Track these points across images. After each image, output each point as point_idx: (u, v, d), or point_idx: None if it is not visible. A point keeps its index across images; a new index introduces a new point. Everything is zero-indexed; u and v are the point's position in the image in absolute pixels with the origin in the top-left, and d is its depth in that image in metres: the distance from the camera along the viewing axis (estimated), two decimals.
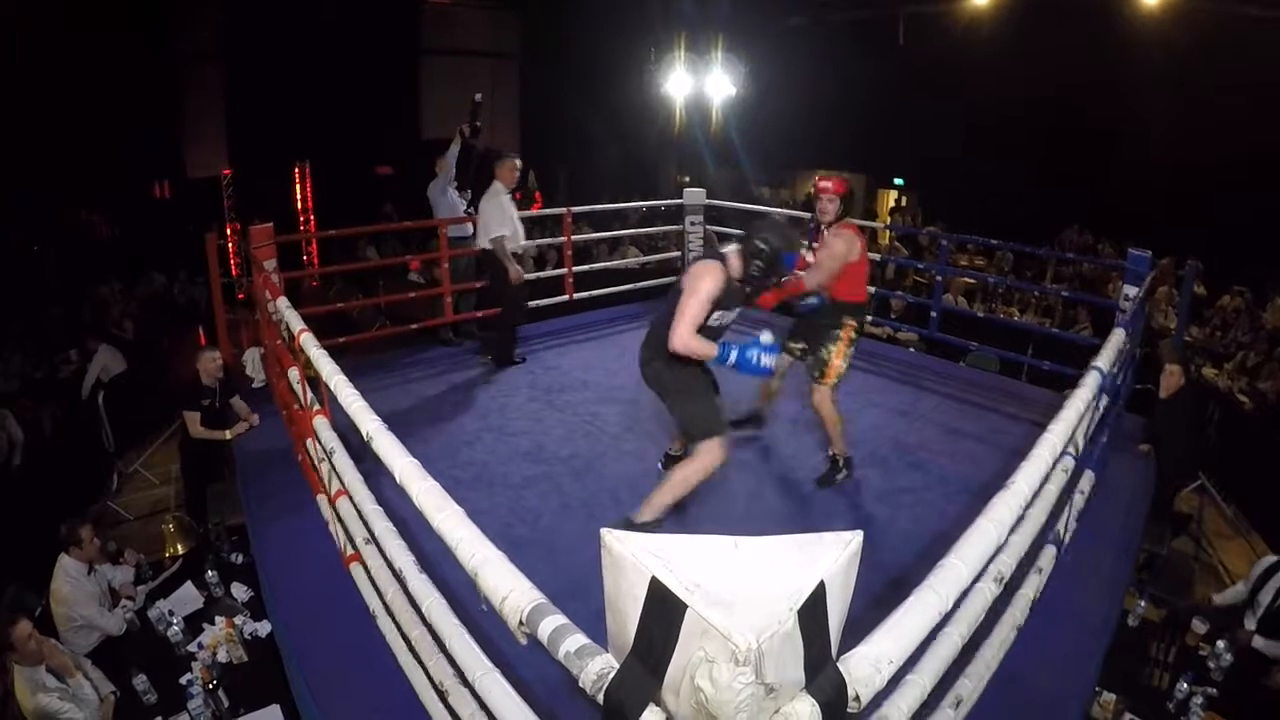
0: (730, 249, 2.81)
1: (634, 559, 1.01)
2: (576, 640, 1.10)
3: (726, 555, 1.04)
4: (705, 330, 2.78)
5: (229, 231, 8.90)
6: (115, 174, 9.21)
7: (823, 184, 3.51)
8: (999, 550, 1.56)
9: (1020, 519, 1.63)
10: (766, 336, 2.71)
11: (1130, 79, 8.53)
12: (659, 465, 3.66)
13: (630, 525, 2.85)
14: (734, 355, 2.65)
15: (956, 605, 1.42)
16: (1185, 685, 2.72)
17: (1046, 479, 1.88)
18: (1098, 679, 2.61)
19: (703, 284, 2.66)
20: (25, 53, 8.00)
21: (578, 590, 1.70)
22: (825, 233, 3.54)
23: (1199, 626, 3.16)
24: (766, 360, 2.67)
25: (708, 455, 2.81)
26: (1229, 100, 7.97)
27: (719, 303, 2.71)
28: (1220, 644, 2.97)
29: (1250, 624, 3.35)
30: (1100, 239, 9.57)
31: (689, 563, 0.99)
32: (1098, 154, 9.45)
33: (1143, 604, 3.20)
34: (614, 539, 1.05)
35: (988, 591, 1.75)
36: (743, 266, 2.76)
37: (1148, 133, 8.58)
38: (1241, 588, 3.54)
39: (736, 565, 1.02)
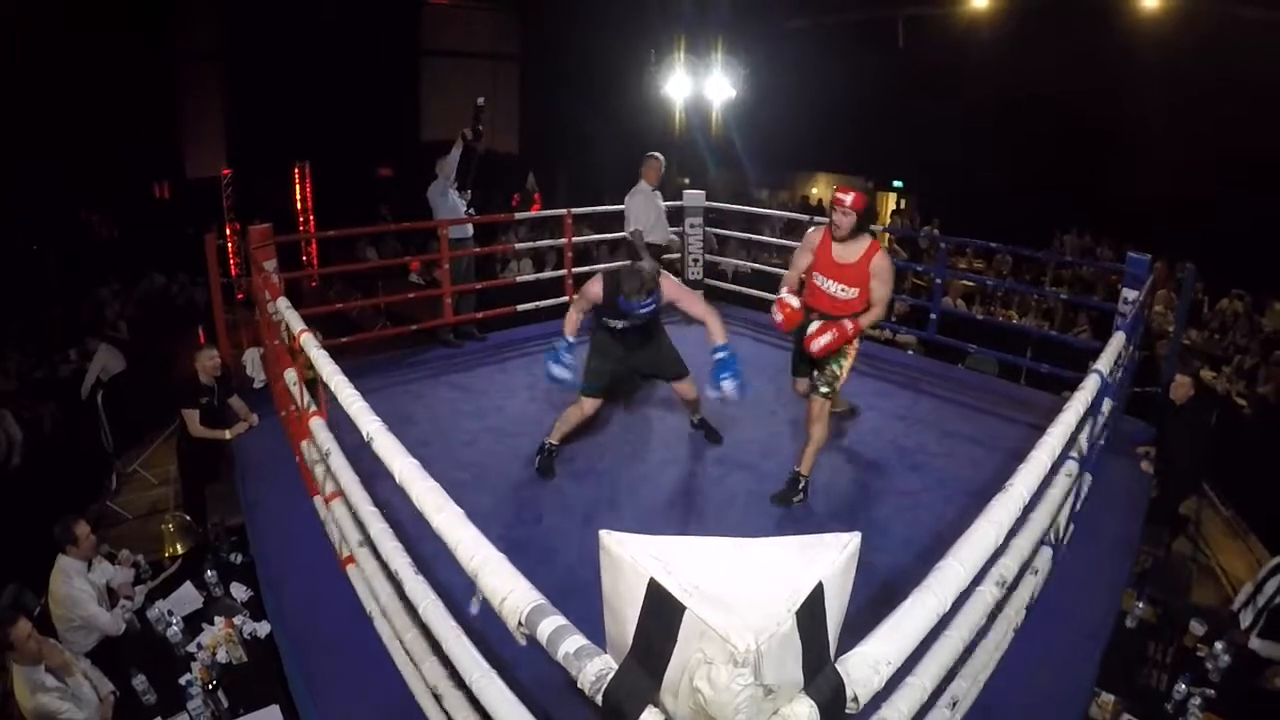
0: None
1: (633, 560, 1.01)
2: (575, 641, 1.10)
3: (725, 557, 1.04)
4: (605, 328, 3.46)
5: (228, 232, 8.88)
6: (115, 174, 9.22)
7: (840, 195, 3.16)
8: (1000, 553, 1.57)
9: (1019, 521, 1.64)
10: (562, 354, 3.35)
11: (1130, 82, 8.54)
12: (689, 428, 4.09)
13: (542, 448, 3.62)
14: (546, 360, 3.40)
15: (957, 608, 1.42)
16: (1183, 686, 2.73)
17: (1045, 481, 1.88)
18: (1096, 679, 2.61)
19: (587, 286, 3.29)
20: (25, 53, 8.00)
21: (576, 591, 1.70)
22: (839, 245, 3.21)
23: (1196, 628, 3.17)
24: (554, 368, 3.35)
25: (576, 405, 3.59)
26: (1228, 103, 7.98)
27: (600, 310, 3.31)
28: (1218, 645, 2.98)
29: (1247, 619, 3.35)
30: (1099, 242, 9.58)
31: (687, 564, 0.99)
32: (1097, 156, 9.46)
33: (1140, 605, 3.21)
34: (613, 540, 1.05)
35: (989, 595, 1.75)
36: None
37: (1147, 135, 8.59)
38: (1249, 588, 3.55)
39: (735, 567, 1.02)
